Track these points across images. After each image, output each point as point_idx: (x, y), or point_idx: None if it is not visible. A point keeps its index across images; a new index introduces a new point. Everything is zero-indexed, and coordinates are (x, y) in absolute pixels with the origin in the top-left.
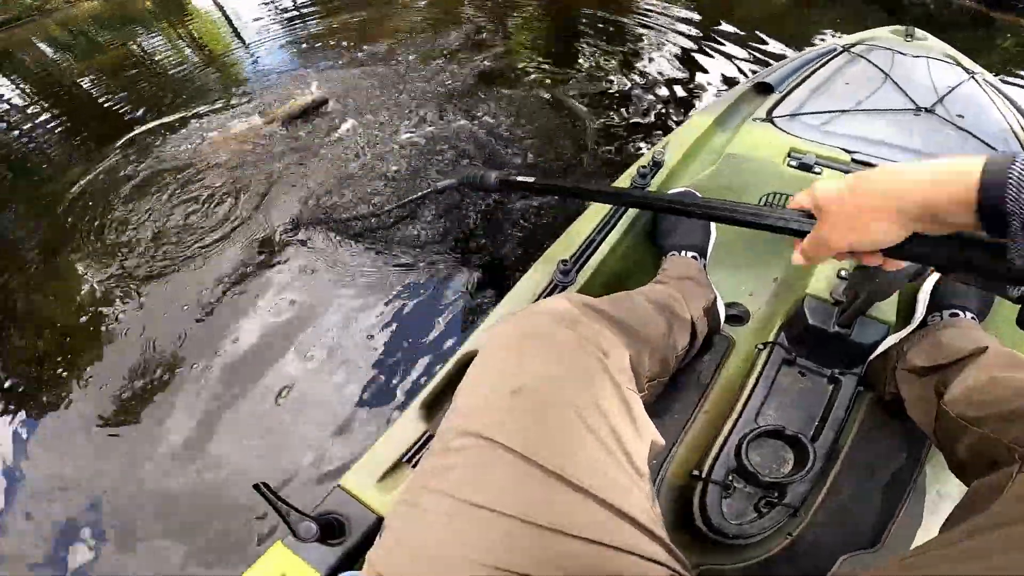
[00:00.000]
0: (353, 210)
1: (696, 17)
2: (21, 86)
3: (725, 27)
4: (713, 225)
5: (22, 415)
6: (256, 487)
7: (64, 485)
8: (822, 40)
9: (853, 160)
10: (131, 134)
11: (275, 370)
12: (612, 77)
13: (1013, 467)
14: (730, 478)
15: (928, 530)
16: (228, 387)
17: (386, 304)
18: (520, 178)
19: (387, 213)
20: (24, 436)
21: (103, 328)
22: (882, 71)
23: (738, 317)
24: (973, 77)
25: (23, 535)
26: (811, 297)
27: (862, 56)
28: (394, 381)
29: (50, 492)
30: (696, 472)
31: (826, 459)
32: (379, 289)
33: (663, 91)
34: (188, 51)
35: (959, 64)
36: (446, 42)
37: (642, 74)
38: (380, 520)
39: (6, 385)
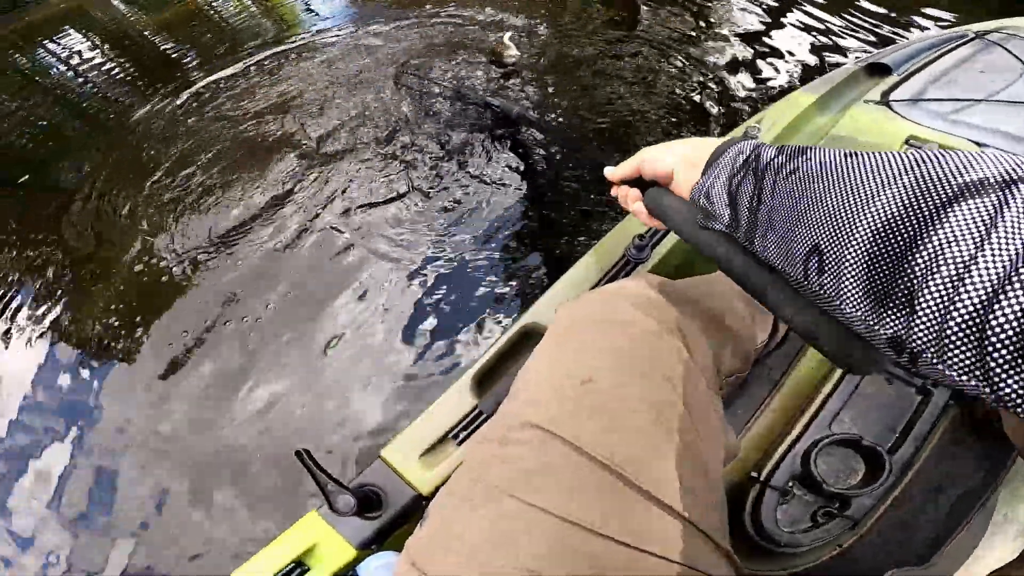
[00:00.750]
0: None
1: None
2: (93, 40)
3: None
4: None
5: (79, 363)
6: (298, 454)
7: (115, 436)
8: (927, 15)
9: None
10: (194, 87)
11: (326, 322)
12: (696, 43)
13: None
14: (791, 484)
15: (986, 551)
16: (278, 335)
17: (446, 262)
18: (534, 116)
19: (451, 92)
20: (83, 382)
21: (161, 276)
22: (1022, 61)
23: None
24: None
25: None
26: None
27: (999, 44)
28: (446, 345)
29: (105, 441)
30: (754, 474)
31: (899, 473)
32: (439, 247)
33: (743, 62)
34: (249, 2)
35: None
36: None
37: (722, 40)
38: (418, 497)
39: (54, 332)
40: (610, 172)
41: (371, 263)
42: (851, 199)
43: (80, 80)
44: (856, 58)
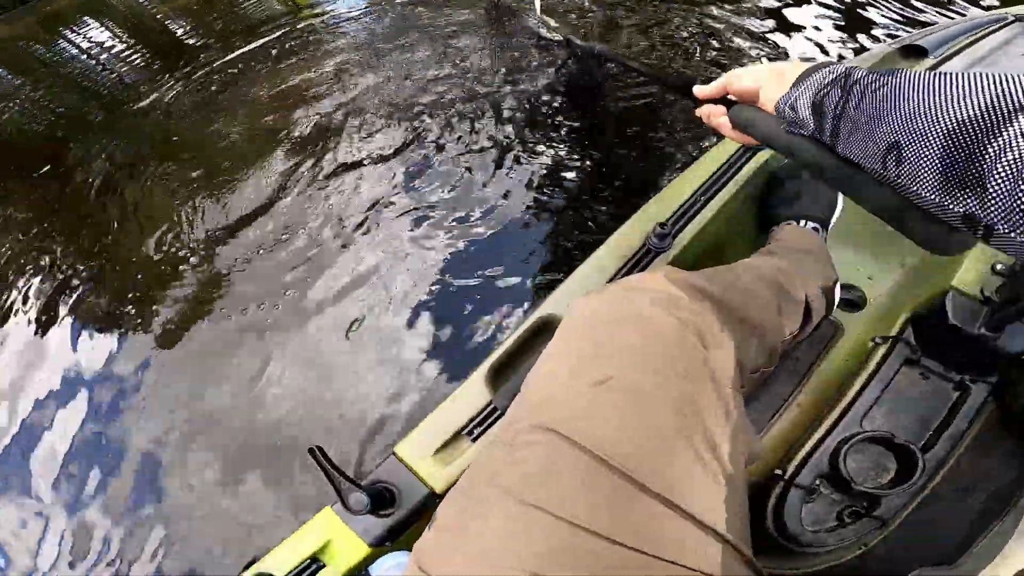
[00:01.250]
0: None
1: None
2: (111, 27)
3: None
4: (840, 195)
5: (94, 347)
6: (311, 451)
7: (133, 424)
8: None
9: None
10: (211, 71)
11: (342, 310)
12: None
13: None
14: (817, 482)
15: (1015, 551)
16: (294, 325)
17: (466, 251)
18: (617, 54)
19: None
20: (98, 367)
21: (178, 264)
22: None
23: (852, 303)
24: None
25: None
26: (957, 292)
27: None
28: (463, 337)
29: (122, 426)
30: (778, 471)
31: (932, 472)
32: (459, 232)
33: (772, 42)
34: None
35: None
36: None
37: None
38: (432, 495)
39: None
40: (699, 90)
41: (392, 248)
42: (932, 103)
43: (98, 67)
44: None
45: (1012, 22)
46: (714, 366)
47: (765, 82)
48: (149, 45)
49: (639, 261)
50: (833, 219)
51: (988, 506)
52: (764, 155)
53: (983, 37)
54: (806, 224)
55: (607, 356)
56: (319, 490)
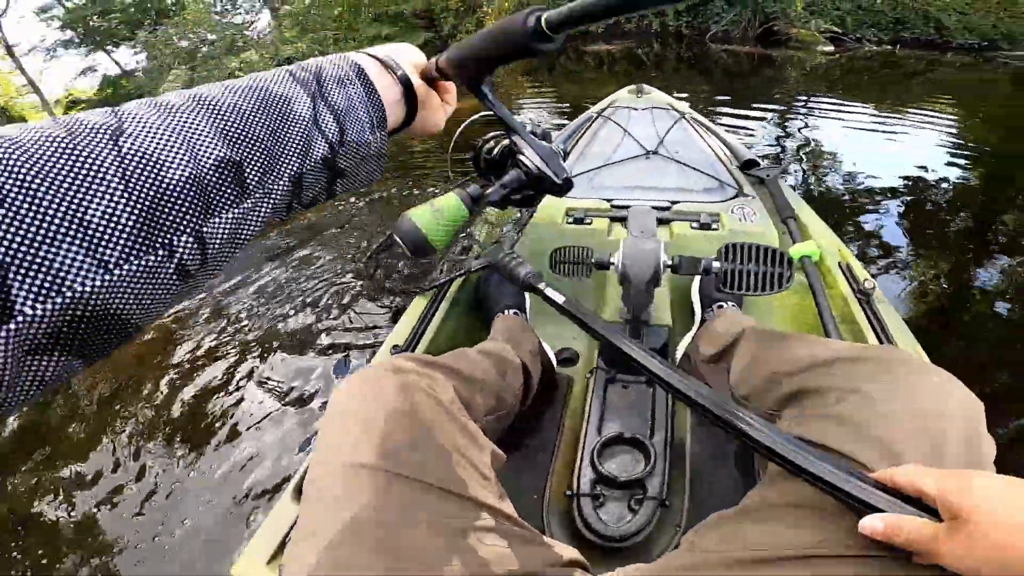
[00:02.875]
0: None
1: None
2: None
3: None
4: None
5: None
6: None
7: None
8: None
9: (612, 206)
10: None
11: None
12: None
13: None
14: (597, 488)
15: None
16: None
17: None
18: (549, 291)
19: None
20: None
21: None
22: (621, 127)
23: (570, 359)
24: (683, 117)
25: None
26: (604, 322)
27: (608, 118)
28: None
29: None
30: (569, 492)
31: (672, 452)
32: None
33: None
34: None
35: (674, 108)
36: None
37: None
38: None
39: None
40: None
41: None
42: None
43: None
44: None
45: (597, 117)
46: (444, 403)
47: None
48: None
49: None
50: (527, 303)
51: (745, 465)
52: (459, 281)
53: (583, 134)
54: (508, 311)
55: (363, 407)
56: None
